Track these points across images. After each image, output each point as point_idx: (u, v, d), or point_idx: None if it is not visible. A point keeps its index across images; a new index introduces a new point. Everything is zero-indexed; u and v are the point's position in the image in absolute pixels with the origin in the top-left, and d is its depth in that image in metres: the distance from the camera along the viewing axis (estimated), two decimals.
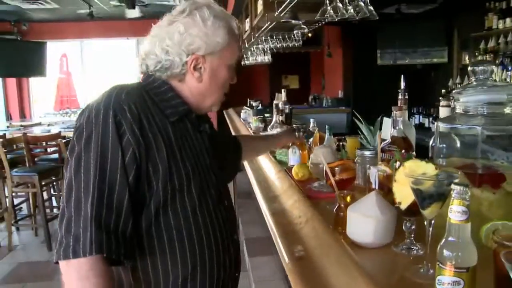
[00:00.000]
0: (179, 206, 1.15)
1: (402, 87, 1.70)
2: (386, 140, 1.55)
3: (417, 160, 1.02)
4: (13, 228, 4.81)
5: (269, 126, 3.29)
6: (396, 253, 1.14)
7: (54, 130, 6.29)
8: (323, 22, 3.34)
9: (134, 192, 1.08)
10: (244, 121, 5.04)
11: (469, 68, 1.23)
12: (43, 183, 4.61)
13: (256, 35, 4.90)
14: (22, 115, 9.42)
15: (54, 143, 5.07)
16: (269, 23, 3.84)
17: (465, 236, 0.80)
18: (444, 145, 1.29)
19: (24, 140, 4.75)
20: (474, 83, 1.22)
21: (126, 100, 1.11)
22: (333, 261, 1.17)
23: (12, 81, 9.29)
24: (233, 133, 4.82)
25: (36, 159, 4.98)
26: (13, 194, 4.86)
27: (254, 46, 5.90)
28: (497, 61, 5.16)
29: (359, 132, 2.05)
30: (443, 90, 5.48)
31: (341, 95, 8.38)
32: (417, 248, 1.14)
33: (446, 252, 0.81)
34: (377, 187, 1.29)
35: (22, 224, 5.10)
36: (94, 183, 1.04)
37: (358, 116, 2.03)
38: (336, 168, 1.56)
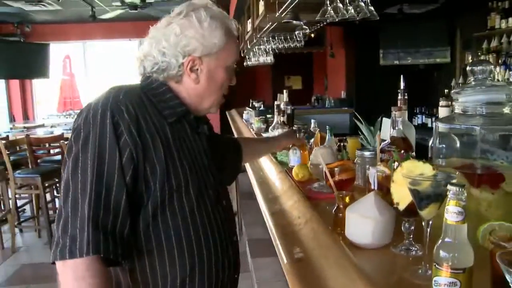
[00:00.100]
0: (177, 207, 1.14)
1: (402, 87, 1.69)
2: (385, 140, 1.55)
3: (415, 161, 1.02)
4: (17, 229, 4.83)
5: (270, 127, 3.29)
6: (395, 254, 1.14)
7: (57, 131, 6.31)
8: (325, 23, 3.34)
9: (131, 193, 1.08)
10: (247, 122, 5.04)
11: (468, 68, 1.23)
12: (46, 185, 4.63)
13: (258, 36, 4.90)
14: (26, 117, 9.46)
15: (57, 144, 5.09)
16: (270, 23, 3.83)
17: (462, 237, 0.80)
18: (444, 145, 1.29)
19: (27, 142, 4.77)
20: (473, 83, 1.22)
21: (124, 101, 1.12)
22: (332, 262, 1.17)
23: (15, 83, 9.33)
24: (235, 134, 4.82)
25: (39, 160, 5.00)
26: (16, 195, 4.88)
27: (256, 47, 5.90)
28: (499, 61, 5.13)
29: (359, 132, 2.05)
30: (445, 90, 5.46)
31: (343, 95, 8.37)
32: (416, 248, 1.13)
33: (442, 253, 0.80)
34: (376, 188, 1.29)
35: (25, 226, 5.11)
36: (91, 184, 1.04)
37: (358, 116, 2.02)
38: (336, 169, 1.56)
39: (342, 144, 2.27)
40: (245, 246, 4.18)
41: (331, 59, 8.84)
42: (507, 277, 0.70)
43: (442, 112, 1.65)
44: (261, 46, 5.56)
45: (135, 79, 1.28)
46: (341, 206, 1.30)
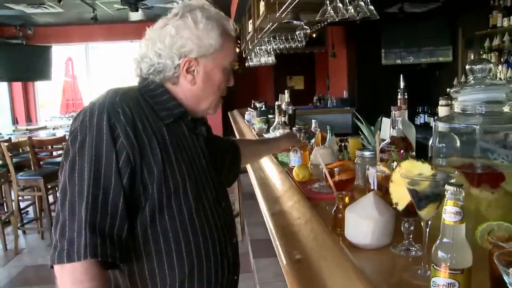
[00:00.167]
0: (175, 209, 1.14)
1: (402, 86, 1.69)
2: (385, 140, 1.54)
3: (413, 161, 1.01)
4: (20, 231, 4.83)
5: (271, 127, 3.29)
6: (394, 254, 1.13)
7: (59, 133, 6.33)
8: (325, 23, 3.34)
9: (129, 196, 1.08)
10: (248, 123, 5.04)
11: (467, 67, 1.22)
12: (48, 187, 4.63)
13: (259, 36, 4.90)
14: (28, 119, 9.49)
15: (59, 146, 5.10)
16: (271, 24, 3.83)
17: (460, 237, 0.79)
18: (443, 145, 1.28)
19: (29, 144, 4.78)
20: (472, 81, 1.21)
21: (120, 103, 1.11)
22: (331, 263, 1.17)
23: (18, 85, 9.37)
24: (237, 135, 4.82)
25: (41, 162, 5.01)
26: (19, 197, 4.89)
27: (258, 48, 5.90)
28: (501, 59, 5.11)
29: (360, 132, 2.04)
30: (448, 89, 5.45)
31: (345, 95, 8.36)
32: (415, 249, 1.13)
33: (440, 254, 0.80)
34: (375, 188, 1.28)
35: (28, 228, 5.12)
36: (88, 187, 1.04)
37: (359, 116, 2.02)
38: (336, 169, 1.56)
39: (343, 144, 2.26)
40: (247, 246, 4.18)
41: (332, 59, 8.84)
42: (505, 278, 0.70)
43: (442, 111, 1.63)
44: (262, 47, 5.56)
45: (136, 81, 1.28)
46: (341, 207, 1.30)
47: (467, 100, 1.19)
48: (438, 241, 0.81)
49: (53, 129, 7.62)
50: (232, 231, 1.32)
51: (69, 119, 8.77)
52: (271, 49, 5.51)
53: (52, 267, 1.04)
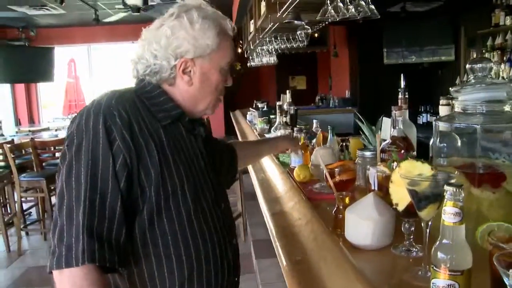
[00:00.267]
0: (174, 211, 1.13)
1: (402, 86, 1.68)
2: (386, 140, 1.53)
3: (413, 161, 1.01)
4: (23, 233, 4.84)
5: (273, 128, 3.28)
6: (395, 255, 1.13)
7: (62, 134, 6.34)
8: (327, 22, 3.33)
9: (126, 199, 1.07)
10: (250, 123, 5.03)
11: (467, 66, 1.21)
12: (51, 188, 4.63)
13: (261, 37, 4.90)
14: (31, 121, 9.52)
15: (62, 147, 5.09)
16: (272, 24, 3.83)
17: (460, 238, 0.78)
18: (444, 145, 1.27)
19: (31, 145, 4.79)
20: (473, 81, 1.20)
21: (116, 106, 1.10)
22: (331, 264, 1.16)
23: (20, 87, 9.40)
24: (239, 135, 4.82)
25: (44, 164, 5.01)
26: (22, 199, 4.90)
27: (259, 48, 5.90)
28: (504, 58, 5.09)
29: (361, 132, 2.03)
30: (450, 88, 5.42)
31: (348, 95, 8.35)
32: (416, 250, 1.12)
33: (440, 255, 0.79)
34: (376, 188, 1.28)
35: (31, 229, 5.13)
36: (85, 192, 1.03)
37: (359, 116, 2.01)
38: (336, 169, 1.55)
39: (344, 144, 2.25)
40: (249, 247, 4.17)
41: (335, 59, 8.82)
42: (505, 280, 0.69)
43: (443, 110, 1.62)
44: (264, 47, 5.56)
45: (133, 82, 1.27)
46: (341, 207, 1.29)
47: (467, 100, 1.18)
48: (437, 242, 0.81)
49: (56, 130, 7.62)
50: (232, 232, 1.31)
51: None
52: (273, 49, 5.51)
53: (51, 272, 1.03)
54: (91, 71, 9.85)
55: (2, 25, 8.47)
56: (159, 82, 1.21)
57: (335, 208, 1.31)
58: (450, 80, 6.24)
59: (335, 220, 1.31)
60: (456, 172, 0.99)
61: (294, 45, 4.79)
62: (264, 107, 5.44)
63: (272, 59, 6.26)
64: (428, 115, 6.38)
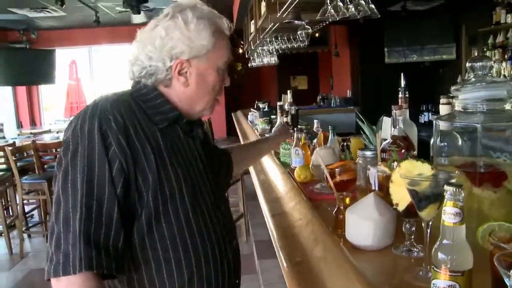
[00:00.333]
0: (172, 215, 1.12)
1: (402, 85, 1.67)
2: (386, 139, 1.52)
3: (413, 161, 1.00)
4: (25, 235, 4.84)
5: (274, 128, 3.28)
6: (396, 255, 1.12)
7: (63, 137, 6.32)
8: (327, 22, 3.33)
9: (124, 204, 1.06)
10: (251, 123, 5.03)
11: (468, 64, 1.20)
12: (53, 190, 4.62)
13: (261, 37, 4.89)
14: (33, 123, 9.54)
15: None
16: (272, 24, 3.82)
17: (460, 238, 0.77)
18: (445, 144, 1.26)
19: (33, 148, 4.79)
20: (473, 79, 1.19)
21: (111, 110, 1.09)
22: (331, 265, 1.15)
23: (22, 90, 9.42)
24: (240, 136, 4.81)
25: (45, 166, 5.01)
26: (24, 201, 4.90)
27: (260, 48, 5.89)
28: (505, 56, 5.07)
29: (361, 132, 2.03)
30: (452, 87, 5.40)
31: (349, 94, 8.33)
32: (417, 250, 1.11)
33: (440, 255, 0.78)
34: (376, 188, 1.27)
35: (33, 231, 5.13)
36: (81, 199, 1.02)
37: (360, 115, 2.00)
38: (337, 170, 1.54)
39: (345, 143, 2.24)
40: (252, 247, 4.17)
41: (336, 58, 8.82)
42: (506, 281, 0.68)
43: (443, 109, 1.61)
44: (265, 47, 5.55)
45: (129, 84, 1.26)
46: (342, 208, 1.28)
47: (468, 98, 1.17)
48: (438, 243, 0.80)
49: (57, 132, 7.62)
50: (232, 234, 1.30)
51: None
52: (274, 49, 5.50)
53: (49, 280, 1.02)
54: (92, 73, 9.87)
55: (3, 27, 8.50)
56: (155, 84, 1.19)
57: (336, 209, 1.31)
58: (451, 79, 6.22)
59: (335, 221, 1.30)
60: (456, 172, 0.98)
61: (295, 45, 4.78)
62: (265, 108, 5.44)
63: (273, 59, 6.25)
64: (430, 114, 6.36)
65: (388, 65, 7.13)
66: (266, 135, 3.62)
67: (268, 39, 5.01)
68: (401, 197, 1.05)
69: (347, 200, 1.29)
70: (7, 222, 4.55)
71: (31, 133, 7.55)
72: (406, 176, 0.95)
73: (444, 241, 0.78)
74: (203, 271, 1.16)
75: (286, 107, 3.40)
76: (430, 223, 0.97)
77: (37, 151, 4.84)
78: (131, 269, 1.12)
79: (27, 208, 5.29)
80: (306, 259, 1.25)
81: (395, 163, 1.16)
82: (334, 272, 1.12)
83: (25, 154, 5.26)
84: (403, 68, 4.42)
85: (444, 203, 0.78)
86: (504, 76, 4.94)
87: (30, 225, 5.17)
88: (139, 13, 5.97)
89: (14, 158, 4.53)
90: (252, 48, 6.10)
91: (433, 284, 0.80)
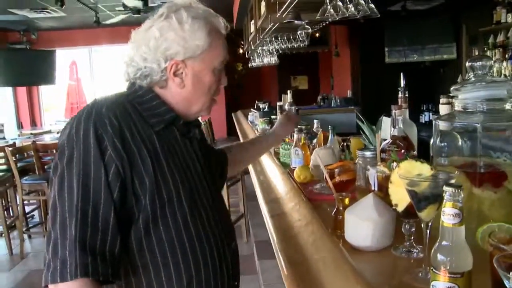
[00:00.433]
0: (170, 219, 1.10)
1: (402, 85, 1.66)
2: (386, 140, 1.52)
3: (412, 161, 0.99)
4: (25, 235, 4.84)
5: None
6: (395, 256, 1.11)
7: None
8: (327, 22, 3.32)
9: (120, 209, 1.05)
10: (252, 124, 5.03)
11: (467, 64, 1.20)
12: None
13: (261, 37, 4.89)
14: (33, 124, 9.53)
15: None
16: (272, 24, 3.82)
17: (459, 239, 0.77)
18: (445, 144, 1.26)
19: (33, 148, 4.80)
20: (473, 79, 1.18)
21: (107, 114, 1.07)
22: (331, 266, 1.15)
23: (22, 90, 9.41)
24: (240, 136, 4.81)
25: (46, 166, 5.01)
26: (25, 202, 4.90)
27: (260, 48, 5.88)
28: (506, 56, 5.06)
29: (361, 132, 2.02)
30: (452, 87, 5.39)
31: (350, 94, 8.32)
32: (417, 250, 1.11)
33: (439, 257, 0.78)
34: (376, 189, 1.26)
35: (33, 232, 5.13)
36: (77, 204, 1.01)
37: (359, 115, 1.99)
38: (336, 170, 1.54)
39: (345, 144, 2.24)
40: (252, 248, 4.16)
41: (336, 58, 8.81)
42: (505, 283, 0.67)
43: (443, 109, 1.61)
44: (265, 47, 5.54)
45: (125, 86, 1.24)
46: (341, 208, 1.28)
47: (468, 98, 1.17)
48: (437, 244, 0.79)
49: (58, 133, 7.61)
50: (230, 236, 1.29)
51: None
52: (274, 49, 5.49)
53: (46, 286, 1.01)
54: (93, 73, 9.86)
55: (3, 28, 8.49)
56: (151, 85, 1.18)
57: (335, 209, 1.30)
58: (452, 79, 6.20)
59: (334, 221, 1.30)
60: (456, 172, 0.97)
61: (295, 45, 4.78)
62: (265, 108, 5.44)
63: (273, 59, 6.24)
64: (430, 114, 6.35)
65: (389, 65, 7.12)
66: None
67: (268, 39, 5.00)
68: (400, 198, 1.05)
69: (346, 201, 1.29)
70: (8, 223, 4.55)
71: (31, 134, 7.55)
72: (405, 177, 0.95)
73: (443, 242, 0.78)
74: (202, 275, 1.15)
75: (286, 107, 3.40)
76: (430, 223, 0.97)
77: (37, 152, 4.84)
78: (129, 273, 1.11)
79: (27, 209, 5.29)
80: (305, 260, 1.24)
81: (395, 163, 1.15)
82: (333, 273, 1.11)
83: (25, 155, 5.26)
84: (404, 68, 4.42)
85: (443, 204, 0.78)
86: (505, 75, 4.93)
87: (30, 225, 5.17)
88: (139, 13, 5.96)
89: (14, 159, 4.54)
90: (252, 48, 6.10)
91: (432, 285, 0.79)
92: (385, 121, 1.71)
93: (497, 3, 5.24)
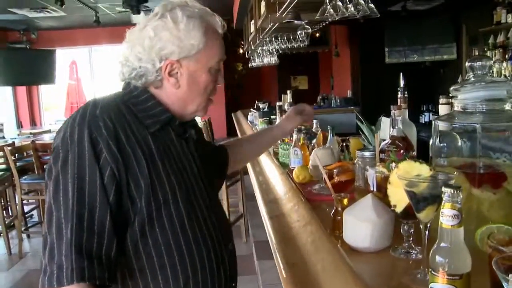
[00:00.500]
0: (166, 221, 1.09)
1: (401, 85, 1.65)
2: (385, 140, 1.51)
3: (411, 161, 0.99)
4: (24, 235, 4.84)
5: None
6: (394, 257, 1.11)
7: None
8: (327, 22, 3.31)
9: (116, 212, 1.04)
10: (251, 124, 5.02)
11: (467, 64, 1.19)
12: None
13: (261, 37, 4.88)
14: (33, 123, 9.52)
15: None
16: (272, 24, 3.81)
17: (458, 241, 0.76)
18: (444, 144, 1.25)
19: (32, 148, 4.79)
20: (473, 79, 1.18)
21: (101, 115, 1.06)
22: (329, 267, 1.14)
23: (22, 89, 9.40)
24: (239, 135, 4.80)
25: (45, 166, 4.99)
26: (23, 201, 4.89)
27: (260, 48, 5.88)
28: (506, 56, 5.05)
29: (360, 132, 2.01)
30: (451, 87, 5.38)
31: (349, 94, 8.31)
32: (416, 252, 1.10)
33: (438, 258, 0.77)
34: (375, 189, 1.26)
35: (32, 232, 5.13)
36: (73, 208, 1.00)
37: (359, 115, 1.99)
38: (335, 170, 1.53)
39: (344, 144, 2.23)
40: (251, 248, 4.16)
41: (336, 58, 8.80)
42: (504, 285, 0.67)
43: (442, 109, 1.60)
44: (265, 47, 5.54)
45: (120, 86, 1.23)
46: (339, 209, 1.27)
47: (467, 98, 1.16)
48: (435, 245, 0.78)
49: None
50: (227, 237, 1.28)
51: None
52: (274, 49, 5.49)
53: None
54: (93, 73, 9.85)
55: (3, 28, 8.48)
56: (145, 85, 1.16)
57: (334, 210, 1.29)
58: (452, 79, 6.19)
59: (333, 222, 1.29)
60: (455, 173, 0.97)
61: (295, 45, 4.77)
62: (265, 108, 5.44)
63: (273, 59, 6.24)
64: (430, 114, 6.34)
65: (389, 65, 7.11)
66: None
67: (268, 39, 5.00)
68: (399, 199, 1.04)
69: (345, 201, 1.28)
70: (6, 222, 4.54)
71: (30, 133, 7.54)
72: (404, 177, 0.94)
73: (442, 244, 0.77)
74: (199, 276, 1.14)
75: (285, 107, 3.39)
76: (429, 225, 0.96)
77: (37, 151, 4.84)
78: (126, 276, 1.10)
79: (26, 208, 5.29)
80: (304, 261, 1.24)
81: (394, 164, 1.15)
82: (331, 275, 1.10)
83: (24, 154, 5.25)
84: (404, 68, 4.41)
85: (442, 205, 0.77)
86: (505, 76, 4.92)
87: (29, 225, 5.18)
88: (139, 13, 5.95)
89: (14, 158, 4.53)
90: (252, 48, 6.09)
91: (431, 287, 0.78)
92: (384, 121, 1.70)
93: (497, 4, 5.23)
